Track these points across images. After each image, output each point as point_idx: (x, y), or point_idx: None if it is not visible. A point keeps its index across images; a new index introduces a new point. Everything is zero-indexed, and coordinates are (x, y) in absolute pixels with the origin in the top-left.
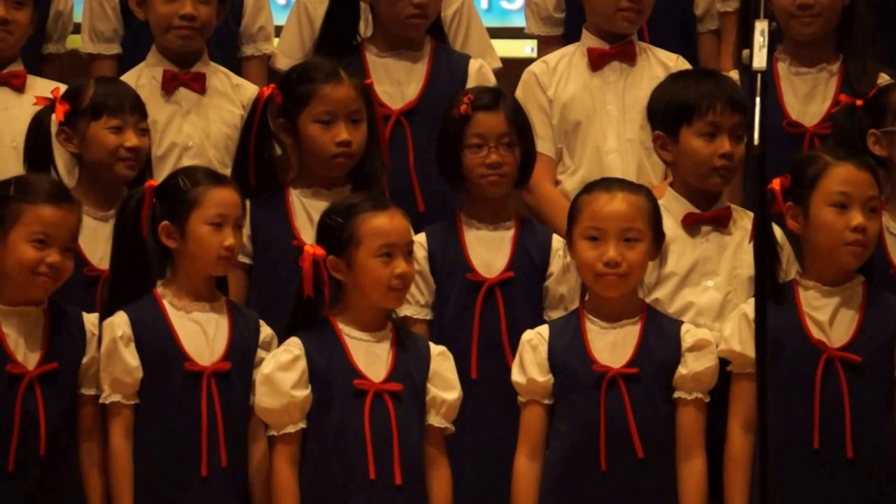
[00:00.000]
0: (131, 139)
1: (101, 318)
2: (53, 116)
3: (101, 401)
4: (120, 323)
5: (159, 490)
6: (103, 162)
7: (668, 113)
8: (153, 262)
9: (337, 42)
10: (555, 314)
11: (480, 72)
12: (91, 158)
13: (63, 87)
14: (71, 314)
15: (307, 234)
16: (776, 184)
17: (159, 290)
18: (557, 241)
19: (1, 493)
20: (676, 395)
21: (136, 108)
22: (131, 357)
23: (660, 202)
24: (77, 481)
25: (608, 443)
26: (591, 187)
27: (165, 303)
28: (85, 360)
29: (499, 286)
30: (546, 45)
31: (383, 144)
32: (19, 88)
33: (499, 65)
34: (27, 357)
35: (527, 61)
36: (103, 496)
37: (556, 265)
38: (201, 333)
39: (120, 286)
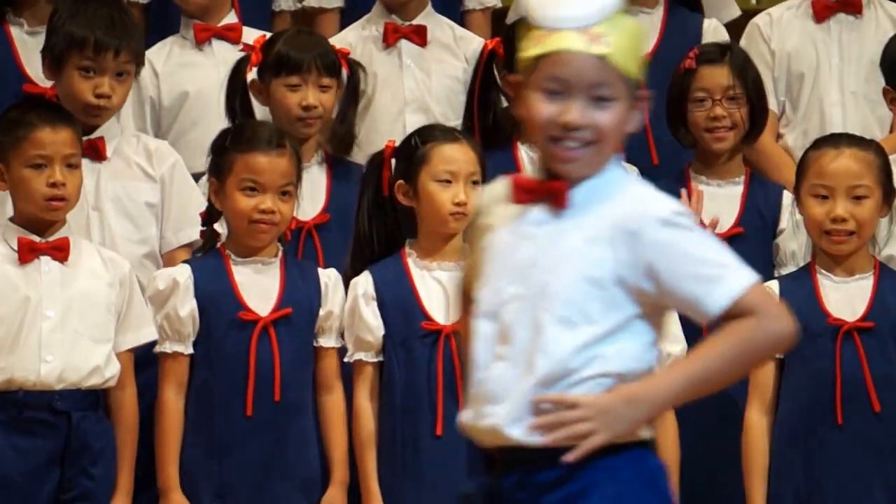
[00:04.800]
0: (308, 98)
1: (349, 277)
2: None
3: (346, 359)
4: (363, 282)
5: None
6: (282, 120)
7: None
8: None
9: None
10: (785, 271)
11: (715, 32)
12: (273, 114)
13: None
14: (305, 266)
15: None
16: None
17: (406, 248)
18: (788, 197)
19: (240, 437)
20: None
21: (317, 64)
22: (372, 316)
23: (893, 156)
24: (313, 433)
25: (844, 396)
26: (819, 143)
27: (409, 261)
28: (322, 312)
29: (727, 242)
30: None
31: None
32: (235, 41)
33: (738, 13)
34: (260, 306)
35: (752, 13)
36: (345, 449)
37: (786, 221)
38: (442, 291)
39: (362, 246)
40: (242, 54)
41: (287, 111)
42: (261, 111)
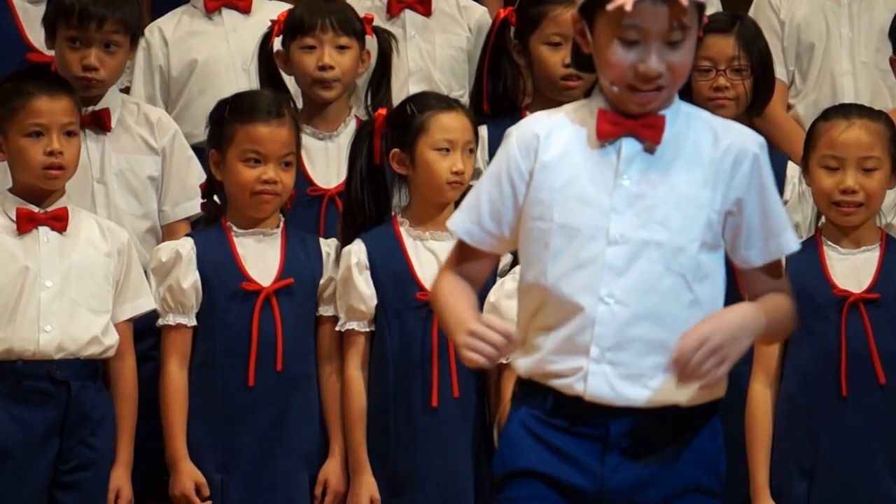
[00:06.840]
0: (323, 58)
1: (341, 246)
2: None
3: (336, 328)
4: (357, 250)
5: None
6: (302, 85)
7: None
8: (392, 190)
9: None
10: None
11: None
12: (296, 82)
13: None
14: (306, 237)
15: None
16: None
17: (398, 217)
18: (792, 169)
19: (243, 409)
20: None
21: (332, 25)
22: (366, 285)
23: None
24: (315, 405)
25: (849, 368)
26: (828, 114)
27: (402, 230)
28: (322, 280)
29: None
30: None
31: None
32: (246, 10)
33: None
34: (262, 277)
35: None
36: (339, 421)
37: (790, 193)
38: (435, 261)
39: (354, 214)
40: (251, 23)
41: (304, 74)
42: (292, 83)
